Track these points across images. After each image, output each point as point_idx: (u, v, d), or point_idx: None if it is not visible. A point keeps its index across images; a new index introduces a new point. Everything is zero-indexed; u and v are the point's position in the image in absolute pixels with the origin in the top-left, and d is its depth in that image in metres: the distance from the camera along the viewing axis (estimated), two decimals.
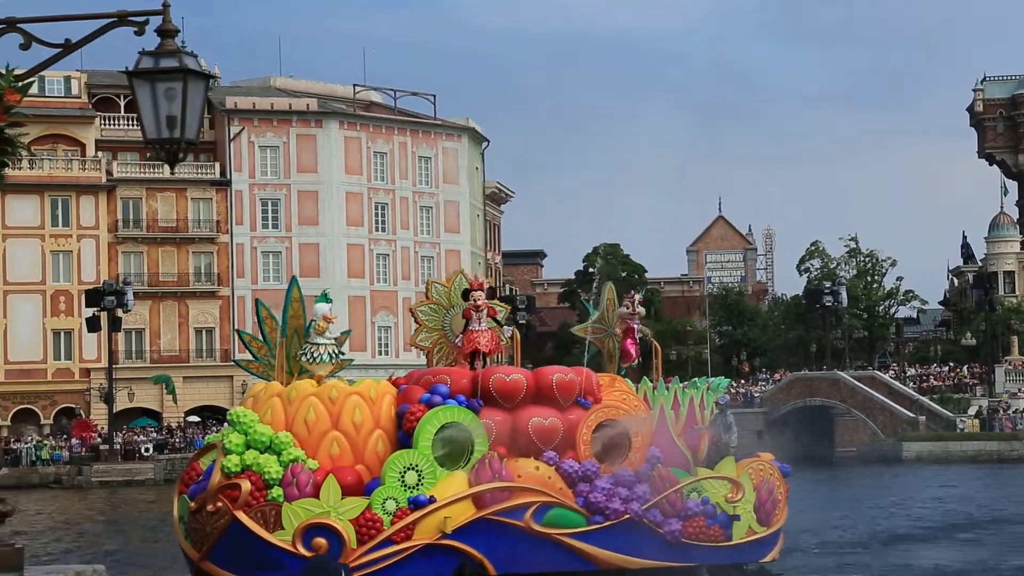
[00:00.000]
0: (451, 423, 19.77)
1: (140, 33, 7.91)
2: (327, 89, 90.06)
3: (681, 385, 22.63)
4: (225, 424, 20.17)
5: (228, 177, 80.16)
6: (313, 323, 20.46)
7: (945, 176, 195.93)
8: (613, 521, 20.45)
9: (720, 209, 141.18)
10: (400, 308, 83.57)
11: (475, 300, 21.44)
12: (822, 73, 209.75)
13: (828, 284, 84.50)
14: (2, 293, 74.58)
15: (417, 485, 19.34)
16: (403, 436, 19.74)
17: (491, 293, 22.20)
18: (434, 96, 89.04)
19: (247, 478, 18.81)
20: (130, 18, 7.91)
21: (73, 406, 75.48)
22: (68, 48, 7.91)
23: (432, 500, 19.29)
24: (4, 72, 7.64)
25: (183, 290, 78.25)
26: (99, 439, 68.10)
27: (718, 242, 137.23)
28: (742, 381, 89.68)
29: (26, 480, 62.90)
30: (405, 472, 19.35)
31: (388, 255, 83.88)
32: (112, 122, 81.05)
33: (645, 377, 23.05)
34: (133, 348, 77.63)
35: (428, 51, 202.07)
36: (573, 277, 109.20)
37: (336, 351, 20.70)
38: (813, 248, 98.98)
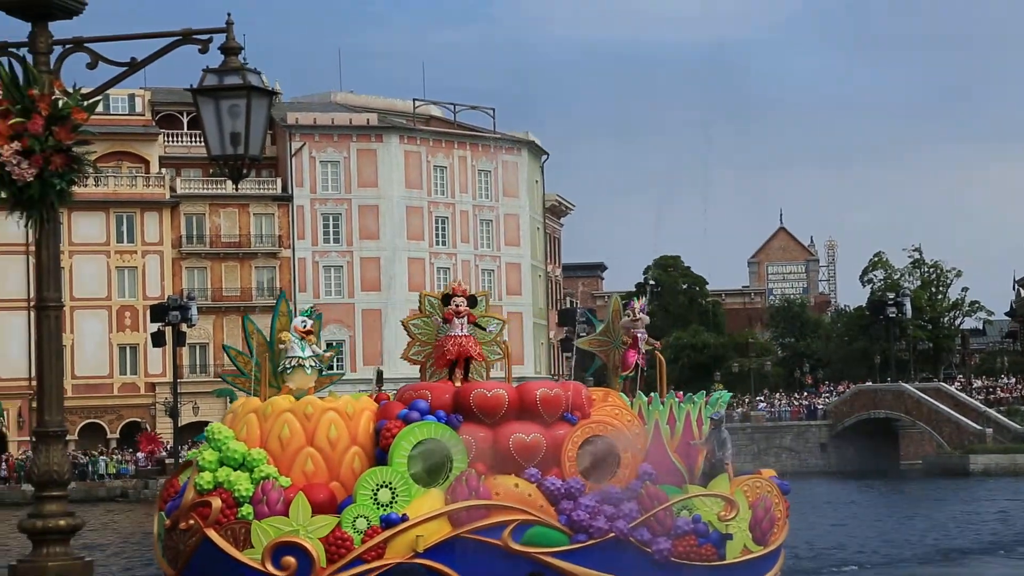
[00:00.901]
0: (428, 440, 19.29)
1: (204, 51, 7.99)
2: (387, 104, 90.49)
3: (676, 399, 22.06)
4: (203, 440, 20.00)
5: (290, 192, 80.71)
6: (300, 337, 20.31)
7: (1011, 185, 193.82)
8: (597, 540, 19.80)
9: (781, 220, 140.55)
10: None
11: (456, 305, 21.09)
12: (885, 82, 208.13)
13: (892, 295, 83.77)
14: (69, 309, 75.44)
15: (391, 503, 18.84)
16: (380, 453, 19.27)
17: (471, 301, 21.66)
18: (493, 109, 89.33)
19: (218, 495, 18.50)
20: (194, 36, 7.99)
21: (139, 420, 76.24)
22: (134, 67, 8.00)
23: (405, 518, 18.81)
24: (72, 91, 7.74)
25: (246, 304, 78.80)
26: (164, 453, 68.72)
27: (779, 253, 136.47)
28: (805, 393, 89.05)
29: (93, 494, 63.57)
30: (378, 490, 18.85)
31: (448, 268, 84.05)
32: (175, 139, 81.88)
33: (641, 392, 22.42)
34: (197, 362, 78.31)
35: (487, 65, 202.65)
36: (633, 289, 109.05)
37: (317, 364, 20.50)
38: (876, 259, 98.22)
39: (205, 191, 79.82)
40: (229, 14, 8.15)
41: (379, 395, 21.20)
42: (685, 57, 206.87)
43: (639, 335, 23.29)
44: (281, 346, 20.49)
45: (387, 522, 18.80)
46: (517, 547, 19.36)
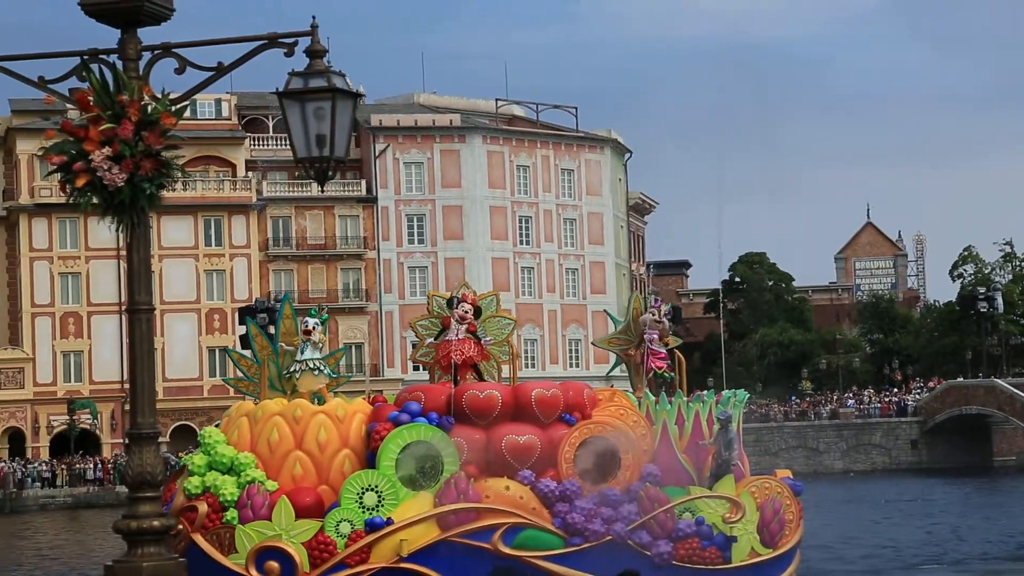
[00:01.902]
0: (417, 442, 19.01)
1: (290, 54, 8.04)
2: (470, 104, 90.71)
3: (685, 399, 21.50)
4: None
5: (374, 194, 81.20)
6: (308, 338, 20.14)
7: None
8: (593, 543, 19.45)
9: (868, 215, 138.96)
10: (545, 321, 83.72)
11: (461, 313, 20.80)
12: (972, 74, 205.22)
13: (982, 290, 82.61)
14: (159, 313, 76.49)
15: (377, 507, 18.60)
16: (371, 456, 19.08)
17: (478, 312, 21.27)
18: (576, 108, 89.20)
19: (205, 500, 18.52)
20: (280, 40, 8.05)
21: None
22: (220, 71, 8.06)
23: (390, 522, 18.59)
24: (160, 96, 7.83)
25: (332, 306, 79.33)
26: None
27: (867, 249, 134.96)
28: (895, 390, 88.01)
29: None
30: (363, 493, 18.62)
31: (532, 268, 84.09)
32: (261, 142, 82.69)
33: (647, 391, 21.91)
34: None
35: (569, 64, 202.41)
36: (719, 287, 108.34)
37: (322, 366, 20.28)
38: (966, 253, 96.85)
39: (291, 194, 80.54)
40: (314, 17, 8.20)
41: (376, 397, 21.04)
42: (767, 52, 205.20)
43: (653, 336, 22.59)
44: (289, 348, 20.37)
45: (371, 526, 18.52)
46: (508, 551, 19.04)
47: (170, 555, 8.06)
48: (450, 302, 20.96)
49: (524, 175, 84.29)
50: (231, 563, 18.29)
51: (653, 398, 21.02)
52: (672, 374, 22.61)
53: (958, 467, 73.08)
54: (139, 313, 8.09)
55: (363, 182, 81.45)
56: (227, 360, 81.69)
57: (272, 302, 71.22)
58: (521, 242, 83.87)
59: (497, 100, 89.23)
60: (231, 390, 77.09)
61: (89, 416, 74.24)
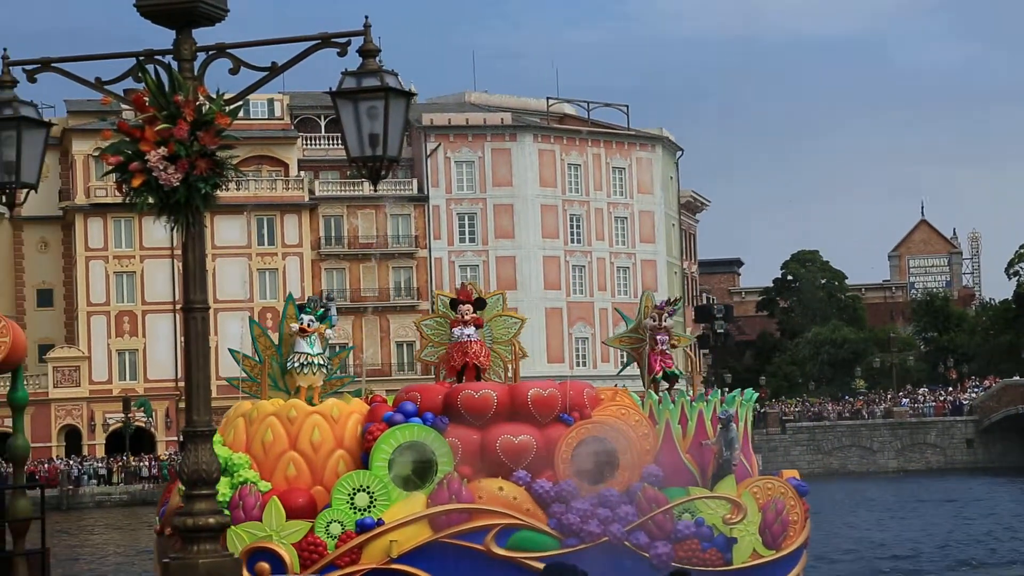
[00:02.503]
0: (411, 442, 18.81)
1: (343, 54, 8.07)
2: (520, 103, 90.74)
3: (688, 398, 21.23)
4: None
5: (425, 193, 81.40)
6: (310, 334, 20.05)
7: None
8: (589, 544, 19.08)
9: (923, 213, 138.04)
10: (596, 319, 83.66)
11: (462, 314, 20.67)
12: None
13: None
14: (212, 311, 76.98)
15: (368, 508, 18.43)
16: (365, 456, 18.89)
17: (479, 304, 21.07)
18: (627, 106, 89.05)
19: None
20: (333, 40, 8.08)
21: None
22: (274, 71, 8.11)
23: (380, 523, 18.39)
24: (215, 97, 7.88)
25: (384, 305, 79.70)
26: None
27: (921, 246, 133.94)
28: (950, 388, 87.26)
29: None
30: (355, 494, 18.46)
31: (584, 266, 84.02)
32: (313, 142, 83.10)
33: (650, 391, 21.68)
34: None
35: (620, 62, 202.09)
36: (771, 285, 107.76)
37: (323, 364, 20.18)
38: (1023, 251, 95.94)
39: (343, 193, 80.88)
40: (367, 17, 8.23)
41: (373, 397, 20.97)
42: (821, 49, 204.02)
43: (659, 338, 22.31)
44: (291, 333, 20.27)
45: (362, 527, 18.39)
46: (501, 552, 18.85)
47: (226, 552, 8.13)
48: (453, 304, 20.86)
49: (575, 173, 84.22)
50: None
51: (656, 397, 20.80)
52: (677, 371, 22.34)
53: (1014, 466, 72.35)
54: (194, 312, 8.15)
55: (414, 181, 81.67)
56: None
57: (323, 301, 71.42)
58: (572, 240, 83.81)
59: (548, 99, 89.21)
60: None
61: (144, 414, 74.89)
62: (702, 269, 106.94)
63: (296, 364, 19.88)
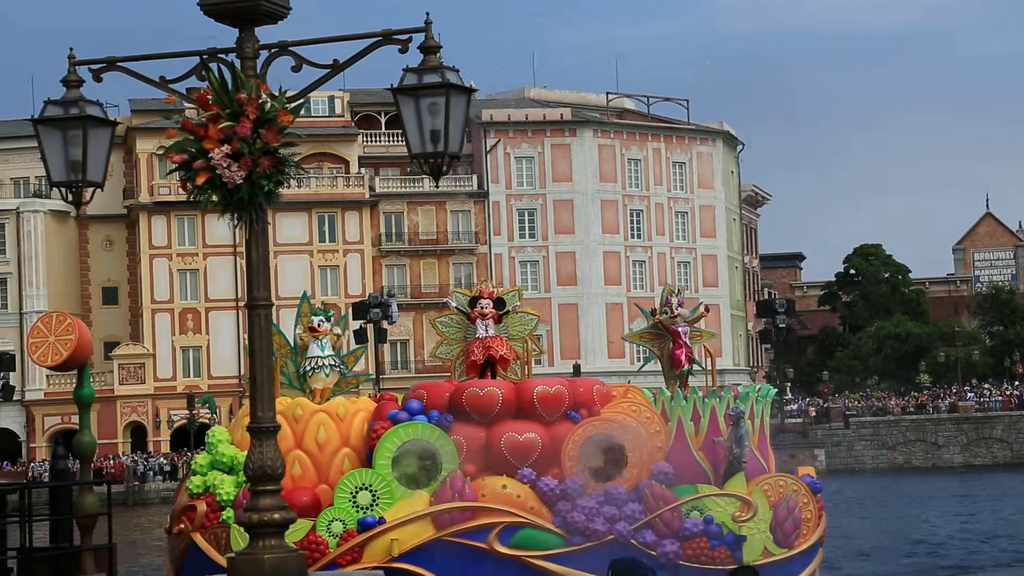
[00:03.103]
0: (414, 440, 18.62)
1: (404, 51, 8.09)
2: (580, 98, 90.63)
3: (700, 394, 20.90)
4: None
5: (485, 189, 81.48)
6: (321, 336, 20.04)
7: None
8: (595, 543, 18.79)
9: (988, 205, 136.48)
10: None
11: (481, 308, 20.54)
12: None
13: None
14: (275, 308, 77.48)
15: (371, 506, 18.24)
16: (371, 455, 18.73)
17: (499, 304, 20.88)
18: (687, 101, 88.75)
19: (205, 500, 18.35)
20: (394, 36, 8.10)
21: None
22: (336, 68, 8.14)
23: (382, 522, 18.17)
24: (277, 94, 7.91)
25: (445, 301, 79.78)
26: None
27: (986, 239, 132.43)
28: (1016, 383, 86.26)
29: None
30: (357, 492, 18.29)
31: (644, 262, 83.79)
32: (373, 139, 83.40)
33: (663, 388, 21.34)
34: (399, 359, 79.66)
35: (680, 56, 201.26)
36: (833, 279, 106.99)
37: (335, 364, 20.13)
38: None
39: (403, 190, 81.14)
40: (428, 14, 8.24)
41: (382, 395, 20.91)
42: (882, 41, 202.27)
43: (680, 330, 22.01)
44: (303, 342, 20.29)
45: (363, 525, 18.22)
46: (504, 550, 18.57)
47: (291, 548, 8.18)
48: (472, 302, 20.80)
49: (635, 168, 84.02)
50: (227, 562, 18.37)
51: (668, 394, 20.61)
52: (692, 367, 22.03)
53: None
54: (258, 309, 8.21)
55: (474, 177, 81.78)
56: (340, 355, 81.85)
57: (384, 297, 71.68)
58: (632, 235, 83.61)
59: (608, 93, 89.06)
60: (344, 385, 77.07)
61: (208, 411, 75.55)
62: (763, 264, 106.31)
63: (308, 368, 20.03)
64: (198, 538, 18.31)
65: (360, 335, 67.05)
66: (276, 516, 8.06)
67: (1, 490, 16.85)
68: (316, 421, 19.13)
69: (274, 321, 8.58)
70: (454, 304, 21.17)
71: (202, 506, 18.45)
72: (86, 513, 13.25)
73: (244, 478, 18.57)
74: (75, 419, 14.30)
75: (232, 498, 18.37)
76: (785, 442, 74.39)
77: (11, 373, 70.77)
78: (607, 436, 19.58)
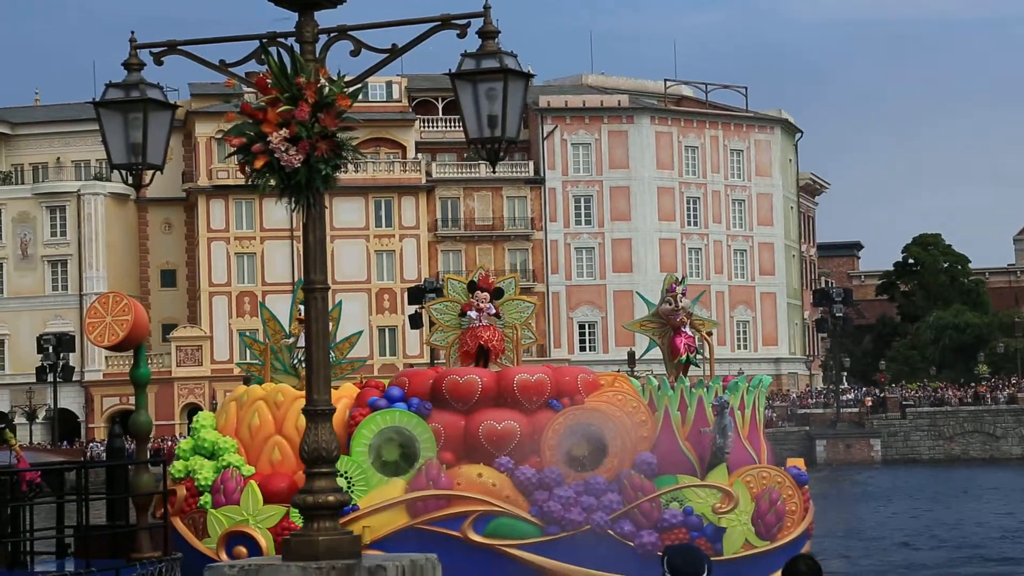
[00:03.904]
0: (392, 427, 18.58)
1: (462, 36, 8.08)
2: (638, 85, 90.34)
3: (688, 383, 20.47)
4: None
5: (542, 175, 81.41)
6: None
7: None
8: (571, 532, 18.68)
9: None
10: (713, 302, 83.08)
11: (478, 301, 20.32)
12: None
13: None
14: (332, 292, 77.80)
15: (346, 492, 18.47)
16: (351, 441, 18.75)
17: (498, 293, 20.65)
18: (746, 88, 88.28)
19: (184, 484, 18.45)
20: (453, 21, 8.10)
21: None
22: (394, 53, 8.14)
23: (355, 509, 18.10)
24: (336, 78, 7.93)
25: (499, 285, 79.85)
26: None
27: None
28: None
29: None
30: None
31: (700, 249, 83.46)
32: (430, 124, 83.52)
33: (651, 376, 20.91)
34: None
35: (739, 44, 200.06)
36: (891, 268, 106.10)
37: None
38: None
39: (460, 175, 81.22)
40: None
41: (367, 382, 20.75)
42: (943, 29, 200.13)
43: (678, 319, 21.62)
44: (290, 339, 20.25)
45: None
46: (479, 539, 18.56)
47: (343, 530, 8.22)
48: (471, 286, 20.60)
49: (692, 156, 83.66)
50: (204, 547, 18.23)
51: (655, 383, 20.27)
52: (693, 356, 21.65)
53: None
54: (315, 292, 8.24)
55: (531, 163, 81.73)
56: (396, 339, 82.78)
57: (439, 282, 72.15)
58: (689, 223, 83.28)
59: (666, 80, 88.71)
60: (400, 369, 78.41)
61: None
62: (821, 252, 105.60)
63: (298, 358, 20.01)
64: (177, 523, 18.33)
65: (415, 320, 67.28)
66: (331, 499, 8.13)
67: (59, 469, 17.05)
68: (297, 407, 19.08)
69: (331, 305, 8.59)
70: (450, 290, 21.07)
71: (182, 491, 18.56)
72: (142, 492, 13.38)
73: (224, 463, 18.70)
74: (133, 400, 14.42)
75: (211, 483, 18.49)
76: (840, 432, 73.97)
77: (71, 354, 71.59)
78: (588, 425, 19.36)
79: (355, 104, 7.97)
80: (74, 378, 74.64)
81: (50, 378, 68.40)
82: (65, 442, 73.64)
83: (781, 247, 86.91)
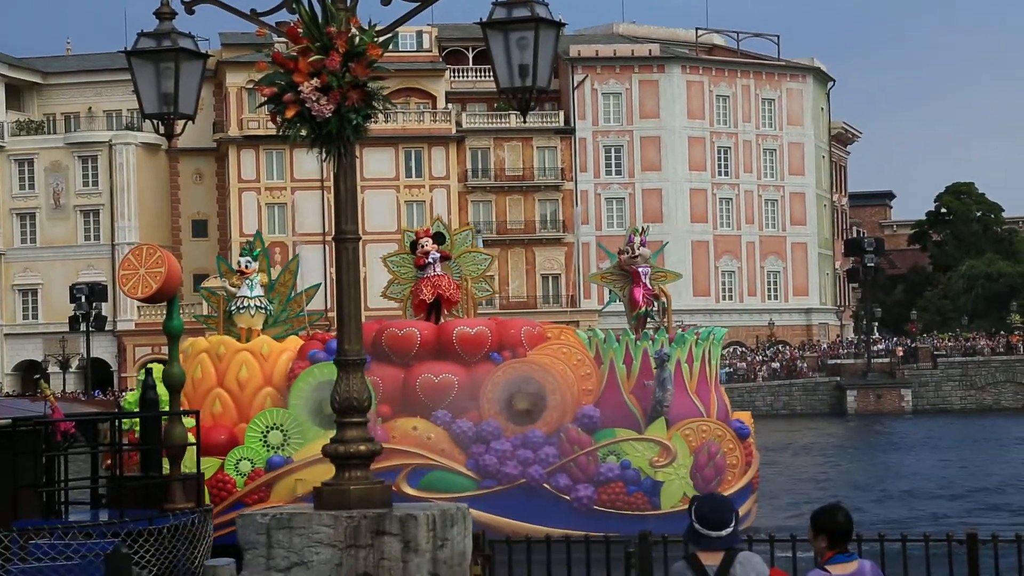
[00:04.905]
0: (330, 380, 18.87)
1: None
2: (669, 34, 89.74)
3: (632, 336, 20.18)
4: None
5: (572, 125, 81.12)
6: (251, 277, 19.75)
7: None
8: (507, 486, 18.80)
9: None
10: (744, 252, 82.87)
11: (423, 247, 20.13)
12: None
13: None
14: (362, 244, 77.86)
15: (282, 446, 18.17)
16: None
17: (439, 239, 20.49)
18: (778, 37, 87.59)
19: (129, 437, 18.25)
20: None
21: None
22: (425, 2, 8.10)
23: (289, 461, 18.20)
24: (367, 28, 7.89)
25: (529, 237, 79.85)
26: None
27: None
28: None
29: None
30: (268, 431, 18.22)
31: (731, 199, 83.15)
32: (461, 74, 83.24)
33: (595, 328, 20.70)
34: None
35: None
36: (924, 218, 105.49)
37: (262, 306, 19.83)
38: None
39: (490, 125, 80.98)
40: None
41: (313, 335, 20.65)
42: None
43: (640, 270, 21.39)
44: (232, 288, 20.20)
45: (271, 465, 18.17)
46: (413, 492, 18.52)
47: (376, 479, 8.26)
48: (412, 247, 20.46)
49: (723, 105, 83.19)
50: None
51: (601, 335, 20.09)
52: (651, 309, 21.45)
53: None
54: (346, 242, 8.25)
55: (561, 113, 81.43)
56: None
57: (471, 231, 71.54)
58: (720, 173, 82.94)
59: (697, 29, 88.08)
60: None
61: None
62: (852, 202, 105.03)
63: (234, 307, 19.99)
64: None
65: None
66: (362, 448, 8.16)
67: (92, 419, 17.14)
68: (239, 360, 19.08)
69: (361, 255, 8.61)
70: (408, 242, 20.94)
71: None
72: (174, 443, 13.47)
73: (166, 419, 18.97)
74: (165, 350, 14.49)
75: None
76: (871, 382, 73.83)
77: (103, 303, 71.99)
78: (526, 378, 19.23)
79: (385, 54, 7.93)
80: (106, 328, 75.08)
81: (83, 327, 68.79)
82: (98, 391, 74.18)
83: (812, 197, 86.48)
